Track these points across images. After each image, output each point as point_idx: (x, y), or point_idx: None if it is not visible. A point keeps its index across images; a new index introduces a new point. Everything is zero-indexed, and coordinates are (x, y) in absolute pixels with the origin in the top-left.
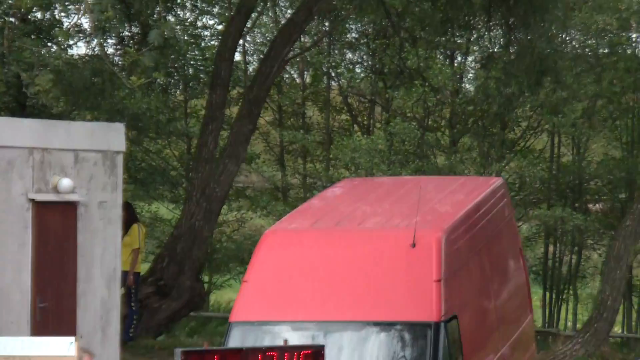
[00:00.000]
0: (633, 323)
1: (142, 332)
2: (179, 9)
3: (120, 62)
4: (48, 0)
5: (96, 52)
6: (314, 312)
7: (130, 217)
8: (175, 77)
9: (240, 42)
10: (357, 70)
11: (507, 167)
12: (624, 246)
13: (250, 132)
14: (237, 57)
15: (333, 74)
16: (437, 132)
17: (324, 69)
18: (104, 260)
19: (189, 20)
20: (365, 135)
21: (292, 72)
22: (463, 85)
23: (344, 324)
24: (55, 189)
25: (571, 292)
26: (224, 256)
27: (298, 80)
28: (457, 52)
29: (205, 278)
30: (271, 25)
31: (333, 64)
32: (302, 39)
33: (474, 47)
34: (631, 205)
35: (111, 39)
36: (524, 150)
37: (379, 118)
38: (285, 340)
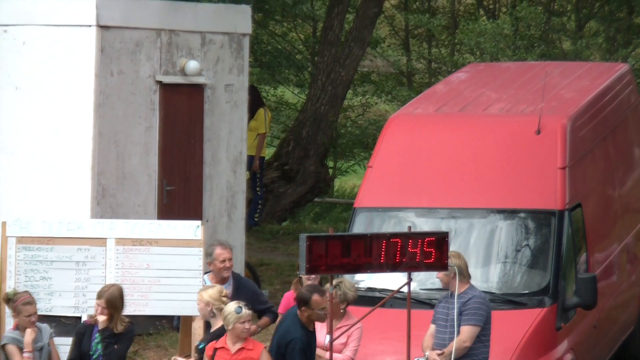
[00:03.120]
0: None
1: (267, 217)
2: None
3: None
4: None
5: None
6: (439, 198)
7: (255, 101)
8: None
9: None
10: None
11: (633, 53)
12: None
13: (375, 15)
14: None
15: None
16: (563, 17)
17: None
18: (230, 144)
19: None
20: (490, 20)
21: None
22: None
23: (469, 211)
24: (183, 71)
25: None
26: (349, 141)
27: None
28: None
29: (330, 163)
30: None
31: None
32: None
33: None
34: None
35: None
36: None
37: (504, 2)
38: (410, 227)
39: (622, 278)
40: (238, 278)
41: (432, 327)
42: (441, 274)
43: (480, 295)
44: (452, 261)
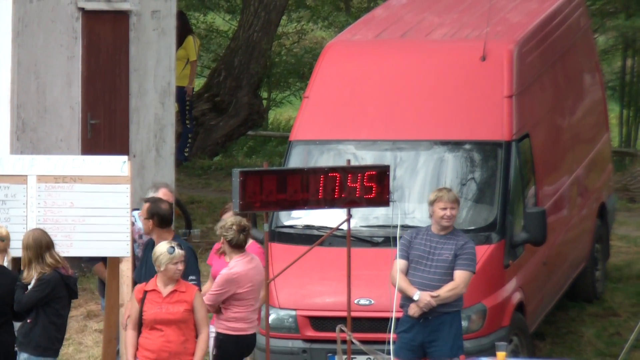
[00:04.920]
0: None
1: (198, 152)
2: None
3: None
4: None
5: None
6: (380, 130)
7: (184, 28)
8: None
9: None
10: None
11: None
12: None
13: None
14: None
15: None
16: None
17: None
18: (157, 74)
19: None
20: None
21: None
22: None
23: (412, 142)
24: None
25: None
26: (284, 70)
27: None
28: None
29: (264, 94)
30: None
31: None
32: None
33: None
34: None
35: None
36: None
37: None
38: (349, 160)
39: (572, 212)
40: None
41: (403, 262)
42: (455, 210)
43: (471, 240)
44: (455, 194)
